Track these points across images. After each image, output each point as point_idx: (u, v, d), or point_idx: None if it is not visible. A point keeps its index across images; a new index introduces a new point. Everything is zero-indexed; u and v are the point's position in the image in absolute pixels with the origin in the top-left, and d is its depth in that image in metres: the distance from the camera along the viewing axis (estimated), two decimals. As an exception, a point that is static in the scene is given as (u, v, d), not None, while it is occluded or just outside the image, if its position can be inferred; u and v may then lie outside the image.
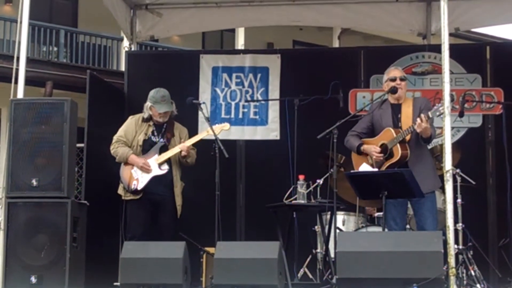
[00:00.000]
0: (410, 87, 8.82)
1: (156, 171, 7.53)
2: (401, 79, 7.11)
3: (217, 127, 7.53)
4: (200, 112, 8.00)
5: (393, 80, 7.10)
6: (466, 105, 8.36)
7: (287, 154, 8.14)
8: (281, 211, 7.50)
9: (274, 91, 9.48)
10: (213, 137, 7.30)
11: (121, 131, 7.71)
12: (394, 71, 7.22)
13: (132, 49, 9.94)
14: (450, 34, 6.81)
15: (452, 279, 6.05)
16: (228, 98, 9.59)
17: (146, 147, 7.61)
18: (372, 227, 7.73)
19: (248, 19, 10.17)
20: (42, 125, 6.93)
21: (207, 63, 9.66)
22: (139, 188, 7.48)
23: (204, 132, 7.64)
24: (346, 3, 9.68)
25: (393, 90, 7.05)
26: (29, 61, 8.54)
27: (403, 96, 7.13)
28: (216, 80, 9.62)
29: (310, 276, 7.78)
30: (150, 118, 7.66)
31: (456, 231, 7.03)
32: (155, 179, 7.52)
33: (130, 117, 7.82)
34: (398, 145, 6.86)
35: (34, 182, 6.85)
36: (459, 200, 7.36)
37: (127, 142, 7.62)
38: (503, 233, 8.08)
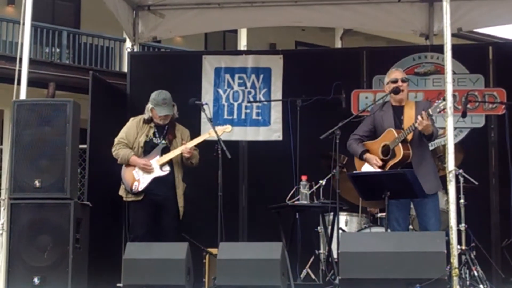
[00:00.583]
0: (413, 88, 8.83)
1: (158, 172, 7.53)
2: (403, 81, 7.11)
3: (219, 129, 7.53)
4: (202, 113, 8.00)
5: (395, 82, 7.10)
6: (468, 106, 8.35)
7: (289, 155, 8.13)
8: (284, 211, 7.50)
9: (277, 91, 9.48)
10: (216, 138, 7.31)
11: (122, 133, 7.72)
12: (395, 73, 7.22)
13: (135, 50, 9.95)
14: (453, 35, 6.82)
15: (455, 279, 6.04)
16: (230, 99, 9.59)
17: (148, 149, 7.61)
18: (375, 228, 7.73)
19: (250, 19, 10.18)
20: (44, 127, 6.93)
21: (209, 64, 9.67)
22: (140, 189, 7.48)
23: (206, 134, 7.65)
24: (348, 4, 9.68)
25: (396, 91, 7.05)
26: (32, 62, 8.54)
27: (405, 98, 7.13)
28: (218, 81, 9.62)
29: (313, 276, 7.78)
30: (151, 120, 7.67)
31: (459, 231, 7.03)
32: (156, 180, 7.52)
33: (131, 119, 7.83)
34: (400, 145, 6.86)
35: (37, 183, 6.84)
36: (462, 201, 7.34)
37: (129, 143, 7.62)
38: (506, 234, 8.09)
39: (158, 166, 7.53)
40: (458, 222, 6.91)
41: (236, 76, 9.63)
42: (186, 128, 7.87)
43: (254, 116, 9.53)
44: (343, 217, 7.81)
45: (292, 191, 7.37)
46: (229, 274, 6.25)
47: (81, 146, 7.60)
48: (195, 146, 7.62)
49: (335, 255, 7.14)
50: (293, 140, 8.22)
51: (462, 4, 9.25)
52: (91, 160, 8.48)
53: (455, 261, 6.11)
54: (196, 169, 7.78)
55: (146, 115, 7.67)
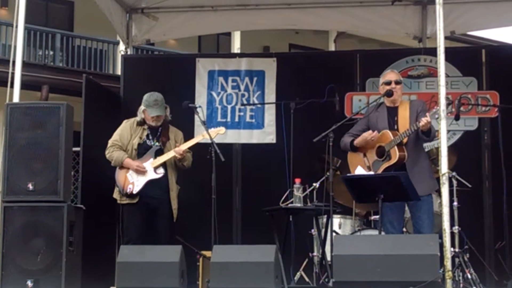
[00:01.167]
0: (406, 90, 8.84)
1: (152, 175, 7.52)
2: (397, 82, 7.12)
3: (213, 131, 7.53)
4: (196, 116, 7.99)
5: (389, 83, 7.11)
6: (462, 108, 8.35)
7: (283, 158, 8.12)
8: (278, 214, 7.49)
9: (270, 94, 9.48)
10: (209, 141, 7.31)
11: (115, 135, 7.70)
12: (389, 75, 7.23)
13: (128, 53, 9.93)
14: (446, 37, 6.84)
15: (449, 282, 6.05)
16: (224, 102, 9.59)
17: (141, 151, 7.60)
18: (368, 231, 7.73)
19: (244, 22, 10.18)
20: (38, 129, 6.92)
21: (203, 66, 9.67)
22: (134, 192, 7.47)
23: (200, 136, 7.64)
24: (341, 7, 9.69)
25: (389, 93, 7.07)
26: (25, 65, 8.53)
27: (398, 99, 7.14)
28: (212, 83, 9.62)
29: (307, 279, 7.79)
30: (144, 122, 7.66)
31: (452, 234, 7.05)
32: (150, 183, 7.51)
33: (124, 121, 7.82)
34: (395, 147, 6.87)
35: (30, 186, 6.84)
36: (455, 203, 7.37)
37: (122, 146, 7.61)
38: (499, 236, 8.09)
39: (152, 168, 7.52)
40: (452, 224, 6.94)
41: (230, 79, 9.63)
42: (179, 130, 7.87)
43: (247, 119, 9.54)
44: (336, 220, 7.81)
45: (286, 194, 7.38)
46: (223, 277, 6.24)
47: (74, 149, 7.59)
48: (189, 149, 7.62)
49: (328, 258, 7.13)
50: (286, 143, 8.21)
51: (455, 7, 9.27)
52: (85, 163, 8.47)
53: (448, 263, 6.12)
54: (190, 171, 7.77)
55: (138, 117, 7.66)
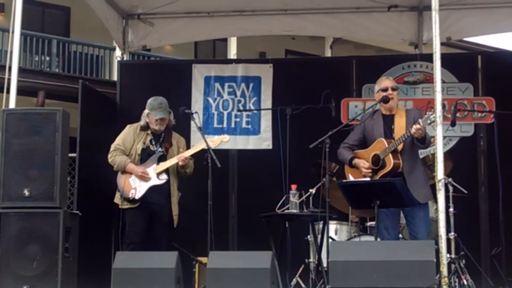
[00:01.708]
0: (402, 96, 8.85)
1: (155, 181, 7.50)
2: (393, 89, 7.12)
3: (217, 139, 7.54)
4: (192, 122, 7.98)
5: (385, 90, 7.10)
6: (458, 114, 8.36)
7: (279, 164, 8.13)
8: (274, 220, 7.50)
9: (267, 100, 9.49)
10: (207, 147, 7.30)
11: (118, 139, 7.66)
12: (385, 81, 7.23)
13: (125, 58, 9.94)
14: (442, 43, 6.83)
15: (445, 288, 6.06)
16: (220, 108, 9.59)
17: (144, 156, 7.57)
18: (364, 237, 7.73)
19: (240, 28, 10.19)
20: (34, 135, 6.91)
21: (199, 72, 9.67)
22: (137, 197, 7.43)
23: (203, 143, 7.52)
24: (338, 13, 9.71)
25: (385, 100, 7.06)
26: (21, 70, 8.52)
27: (395, 106, 7.14)
28: (208, 89, 9.62)
29: (303, 285, 7.76)
30: (147, 127, 7.64)
31: (448, 240, 7.04)
32: (152, 188, 7.49)
33: (128, 126, 7.76)
34: (390, 155, 6.87)
35: (26, 192, 6.83)
36: (451, 209, 7.37)
37: (125, 150, 7.57)
38: (495, 242, 8.09)
39: (155, 174, 7.50)
40: (448, 230, 6.93)
41: (226, 84, 9.64)
42: (182, 137, 7.84)
43: (244, 125, 9.54)
44: (332, 226, 7.81)
45: (282, 200, 7.38)
46: (219, 283, 6.23)
47: (70, 154, 7.59)
48: (191, 156, 7.59)
49: (325, 264, 7.13)
50: (283, 149, 8.22)
51: (451, 13, 9.29)
52: (81, 169, 8.46)
53: (444, 269, 6.12)
54: (187, 177, 7.77)
55: (142, 121, 7.63)
